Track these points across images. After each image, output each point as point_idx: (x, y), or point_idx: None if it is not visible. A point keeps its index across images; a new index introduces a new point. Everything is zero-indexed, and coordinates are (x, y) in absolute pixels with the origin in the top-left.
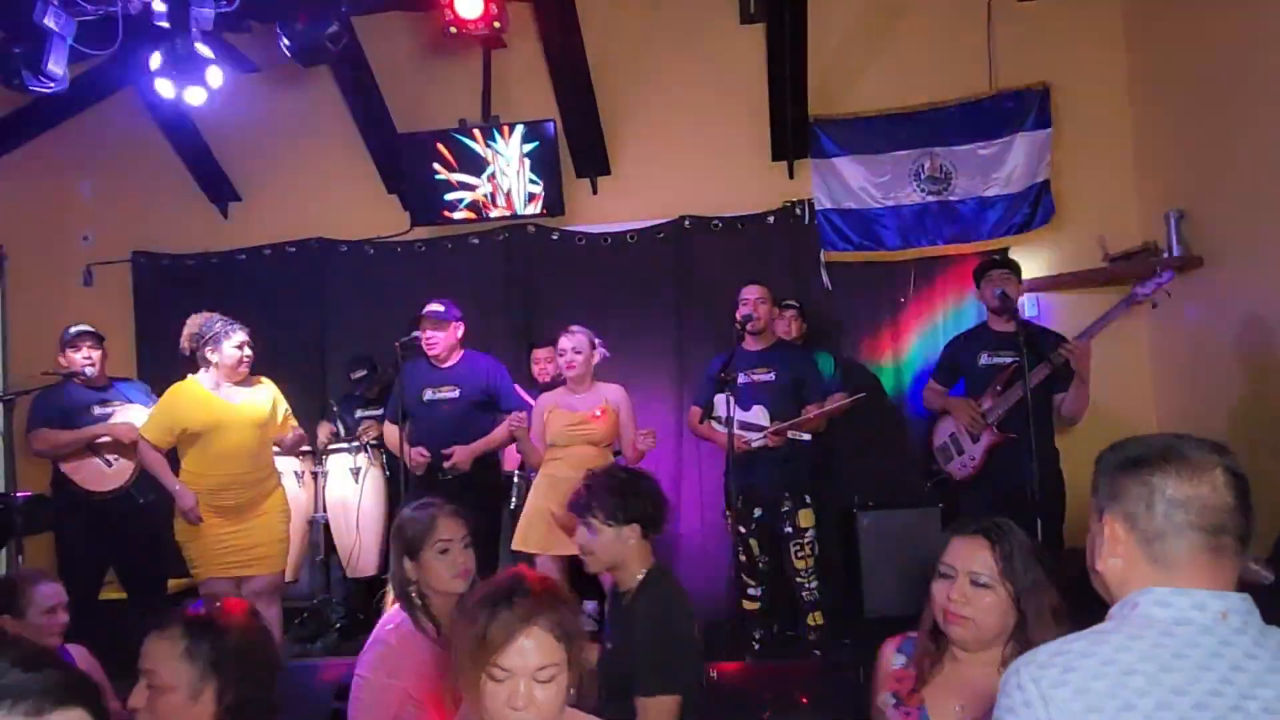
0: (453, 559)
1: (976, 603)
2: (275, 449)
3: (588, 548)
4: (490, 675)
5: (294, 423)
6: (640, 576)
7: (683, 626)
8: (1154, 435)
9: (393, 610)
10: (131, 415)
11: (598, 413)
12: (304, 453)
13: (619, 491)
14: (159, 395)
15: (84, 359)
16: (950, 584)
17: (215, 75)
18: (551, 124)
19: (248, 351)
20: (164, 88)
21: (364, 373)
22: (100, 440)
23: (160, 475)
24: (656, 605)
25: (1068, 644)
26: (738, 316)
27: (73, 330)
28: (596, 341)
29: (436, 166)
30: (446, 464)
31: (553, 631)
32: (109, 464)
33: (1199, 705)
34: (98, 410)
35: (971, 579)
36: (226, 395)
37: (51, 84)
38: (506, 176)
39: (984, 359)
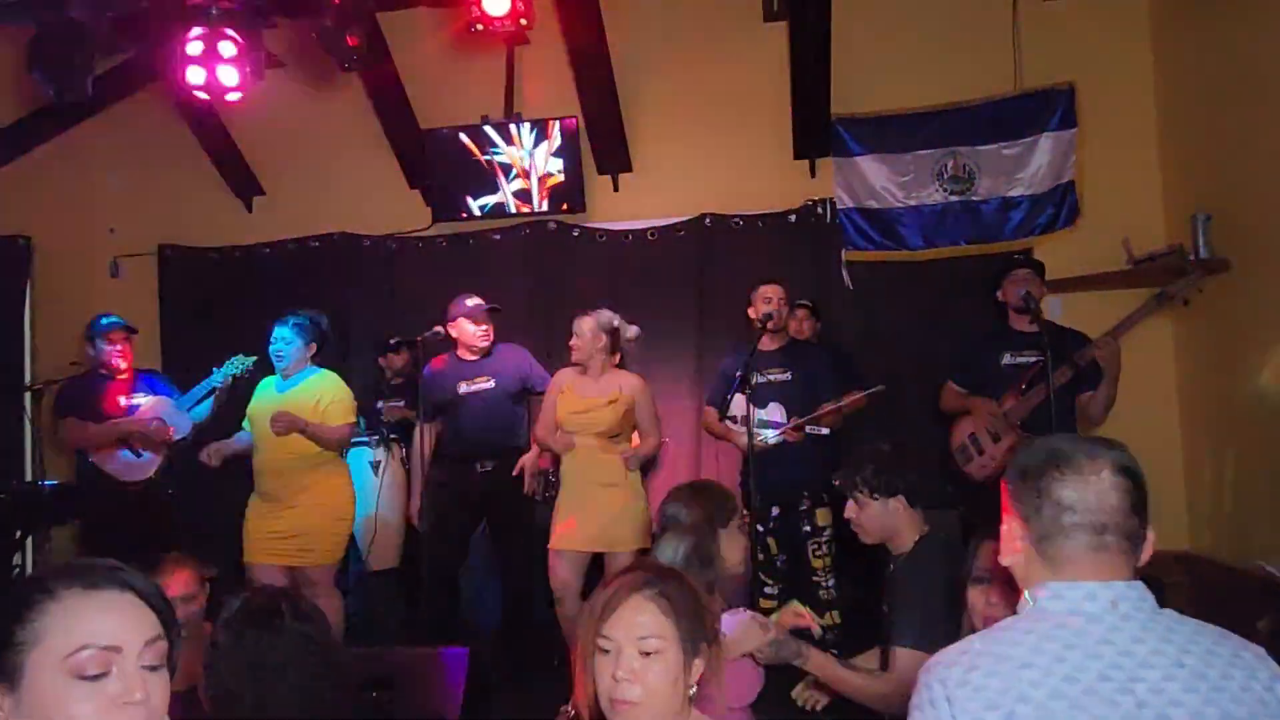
0: None
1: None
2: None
3: (855, 521)
4: (599, 647)
5: (337, 422)
6: (912, 543)
7: (945, 590)
8: (1052, 437)
9: None
10: (156, 407)
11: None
12: None
13: (882, 465)
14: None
15: (117, 351)
16: (988, 589)
17: (231, 74)
18: (574, 120)
19: (278, 347)
20: (190, 80)
21: (398, 340)
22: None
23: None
24: (920, 565)
25: (970, 643)
26: (756, 315)
27: (104, 322)
28: (616, 321)
29: (459, 163)
30: (526, 488)
31: (658, 602)
32: (138, 455)
33: (1089, 691)
34: (123, 402)
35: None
36: (280, 386)
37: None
38: (528, 173)
39: (1006, 359)
